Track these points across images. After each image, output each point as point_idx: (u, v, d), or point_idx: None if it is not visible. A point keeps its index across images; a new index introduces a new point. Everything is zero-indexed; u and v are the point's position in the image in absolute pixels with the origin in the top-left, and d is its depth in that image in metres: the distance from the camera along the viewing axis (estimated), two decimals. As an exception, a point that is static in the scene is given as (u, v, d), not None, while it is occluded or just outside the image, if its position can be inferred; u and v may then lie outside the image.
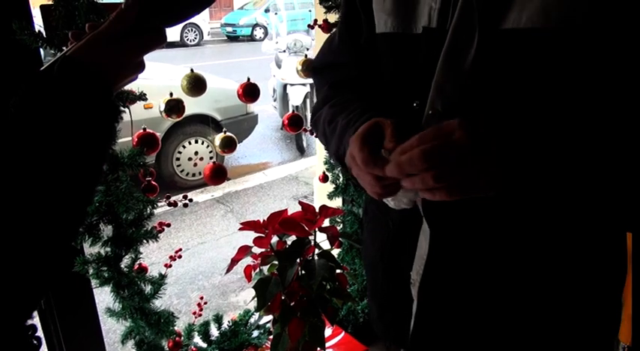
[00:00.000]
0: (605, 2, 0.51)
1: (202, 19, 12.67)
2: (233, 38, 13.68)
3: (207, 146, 3.96)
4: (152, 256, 2.82)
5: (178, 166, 3.87)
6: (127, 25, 0.54)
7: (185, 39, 12.28)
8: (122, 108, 1.10)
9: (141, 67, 0.60)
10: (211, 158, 3.97)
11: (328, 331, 1.61)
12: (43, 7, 1.02)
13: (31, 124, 0.49)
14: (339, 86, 0.80)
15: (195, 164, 3.90)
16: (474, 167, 0.50)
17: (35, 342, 0.61)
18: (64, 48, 0.99)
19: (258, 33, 13.35)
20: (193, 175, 3.95)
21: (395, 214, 0.75)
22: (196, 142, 3.91)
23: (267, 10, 12.01)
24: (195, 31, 12.56)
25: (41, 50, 1.06)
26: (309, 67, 1.56)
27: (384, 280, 0.83)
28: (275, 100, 5.25)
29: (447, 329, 0.73)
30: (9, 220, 0.45)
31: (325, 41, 0.88)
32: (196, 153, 3.92)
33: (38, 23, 1.05)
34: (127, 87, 1.01)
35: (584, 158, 0.51)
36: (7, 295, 0.46)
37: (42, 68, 0.52)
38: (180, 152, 3.85)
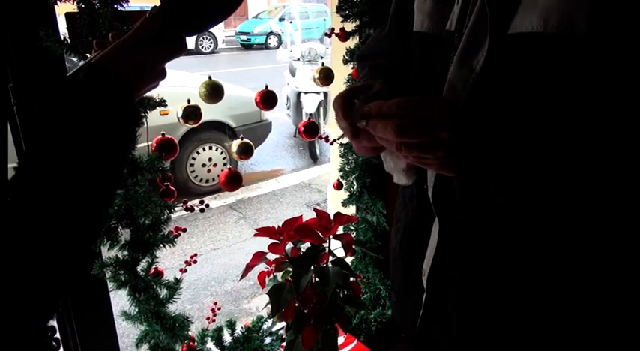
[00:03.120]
0: (607, 10, 0.51)
1: (217, 27, 12.80)
2: (247, 46, 13.83)
3: (221, 153, 3.99)
4: (165, 260, 2.83)
5: (192, 172, 3.91)
6: (150, 33, 0.56)
7: (200, 47, 12.44)
8: (143, 114, 1.12)
9: (162, 74, 0.62)
10: (225, 165, 4.00)
11: (341, 339, 1.61)
12: (68, 15, 1.04)
13: (55, 128, 0.51)
14: (378, 69, 0.86)
15: (208, 171, 3.94)
16: (434, 136, 0.55)
17: (54, 343, 0.62)
18: (87, 55, 1.02)
19: (272, 41, 13.49)
20: (207, 181, 3.99)
21: (412, 206, 0.81)
22: (210, 148, 3.94)
23: (281, 19, 12.14)
24: (210, 39, 12.73)
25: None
26: (325, 76, 1.59)
27: (401, 270, 0.88)
28: (288, 108, 5.29)
29: (453, 320, 0.74)
30: (30, 222, 0.47)
31: (374, 33, 0.95)
32: (210, 159, 3.95)
33: (63, 31, 1.07)
34: (148, 93, 1.03)
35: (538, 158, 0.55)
36: (28, 297, 0.47)
37: (68, 74, 0.54)
38: (194, 158, 3.89)
